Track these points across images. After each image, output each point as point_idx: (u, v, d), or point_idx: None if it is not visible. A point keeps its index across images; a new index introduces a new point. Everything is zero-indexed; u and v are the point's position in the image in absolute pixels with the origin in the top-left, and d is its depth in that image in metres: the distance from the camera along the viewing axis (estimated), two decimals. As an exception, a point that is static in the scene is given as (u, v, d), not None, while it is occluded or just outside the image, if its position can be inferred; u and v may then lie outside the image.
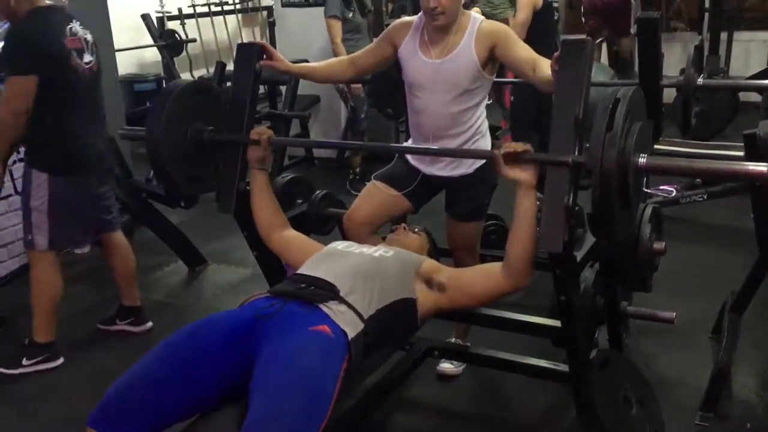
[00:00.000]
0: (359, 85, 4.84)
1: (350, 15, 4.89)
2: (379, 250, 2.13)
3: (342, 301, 1.84)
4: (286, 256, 2.33)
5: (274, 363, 1.63)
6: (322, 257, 2.10)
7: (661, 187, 4.15)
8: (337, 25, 4.91)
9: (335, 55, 4.73)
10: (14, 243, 3.93)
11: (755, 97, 6.72)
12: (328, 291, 1.86)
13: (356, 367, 1.81)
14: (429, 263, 2.15)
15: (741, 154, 2.36)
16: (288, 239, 2.33)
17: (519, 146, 1.88)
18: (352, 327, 1.80)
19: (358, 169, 5.23)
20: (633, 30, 6.26)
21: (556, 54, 1.88)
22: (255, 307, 1.82)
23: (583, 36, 1.89)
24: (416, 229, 2.41)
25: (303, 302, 1.82)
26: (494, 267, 2.06)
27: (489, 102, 4.62)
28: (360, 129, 5.25)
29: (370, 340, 1.85)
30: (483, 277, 2.07)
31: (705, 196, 4.14)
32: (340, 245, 2.20)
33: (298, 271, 2.04)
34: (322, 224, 2.82)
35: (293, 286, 1.90)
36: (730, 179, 3.35)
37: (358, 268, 1.98)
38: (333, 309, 1.81)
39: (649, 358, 2.83)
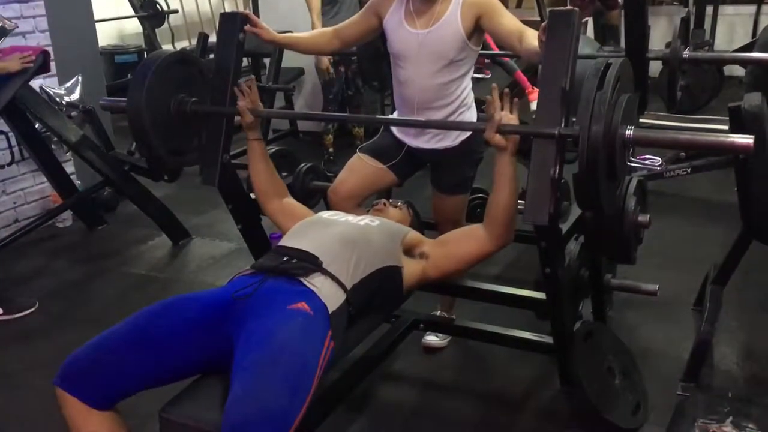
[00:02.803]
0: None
1: None
2: (365, 219, 2.14)
3: (324, 272, 1.84)
4: (281, 223, 2.32)
5: (253, 343, 1.61)
6: (306, 226, 2.10)
7: (646, 157, 4.17)
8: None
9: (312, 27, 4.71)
10: (2, 213, 3.98)
11: (739, 71, 6.74)
12: (310, 263, 1.85)
13: (341, 338, 1.81)
14: (414, 234, 2.17)
15: (725, 127, 2.36)
16: (284, 207, 2.35)
17: (510, 117, 1.88)
18: (333, 300, 1.80)
19: (331, 149, 5.18)
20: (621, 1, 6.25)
21: (543, 24, 1.86)
22: (235, 287, 1.80)
23: (571, 7, 1.87)
24: (398, 203, 2.41)
25: (283, 278, 1.81)
26: (475, 229, 2.10)
27: (489, 76, 4.62)
28: (355, 104, 5.21)
29: (354, 309, 1.85)
30: (465, 239, 2.12)
31: (689, 170, 4.15)
32: (326, 214, 2.21)
33: (281, 243, 2.02)
34: (307, 197, 2.81)
35: (276, 260, 1.89)
36: (716, 152, 3.36)
37: (343, 236, 1.98)
38: (314, 282, 1.80)
39: (632, 330, 2.85)
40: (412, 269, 2.07)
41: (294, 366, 1.58)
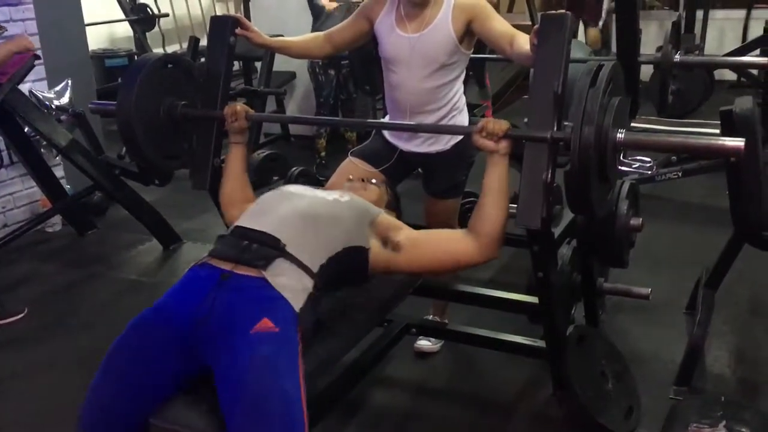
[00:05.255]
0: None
1: None
2: (334, 195, 2.01)
3: (287, 256, 1.74)
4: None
5: (230, 383, 1.57)
6: (268, 202, 1.97)
7: (638, 157, 4.17)
8: None
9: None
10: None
11: (729, 75, 6.79)
12: (272, 248, 1.75)
13: (310, 330, 1.76)
14: (385, 217, 2.02)
15: (717, 131, 2.37)
16: (243, 209, 2.14)
17: (500, 125, 1.86)
18: (299, 293, 1.71)
19: (323, 153, 5.18)
20: (600, 24, 6.37)
21: (535, 28, 1.86)
22: (191, 288, 1.73)
23: (563, 11, 1.87)
24: (373, 181, 2.30)
25: (242, 279, 1.70)
26: (458, 234, 1.96)
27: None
28: (348, 108, 5.21)
29: (321, 293, 1.79)
30: (447, 242, 1.97)
31: (680, 174, 4.16)
32: (292, 187, 2.09)
33: (241, 222, 1.89)
34: (298, 201, 2.79)
35: (235, 247, 1.78)
36: (707, 155, 3.37)
37: (307, 211, 1.88)
38: (277, 277, 1.70)
39: (624, 334, 2.85)
40: (378, 256, 1.93)
41: (277, 401, 1.54)
